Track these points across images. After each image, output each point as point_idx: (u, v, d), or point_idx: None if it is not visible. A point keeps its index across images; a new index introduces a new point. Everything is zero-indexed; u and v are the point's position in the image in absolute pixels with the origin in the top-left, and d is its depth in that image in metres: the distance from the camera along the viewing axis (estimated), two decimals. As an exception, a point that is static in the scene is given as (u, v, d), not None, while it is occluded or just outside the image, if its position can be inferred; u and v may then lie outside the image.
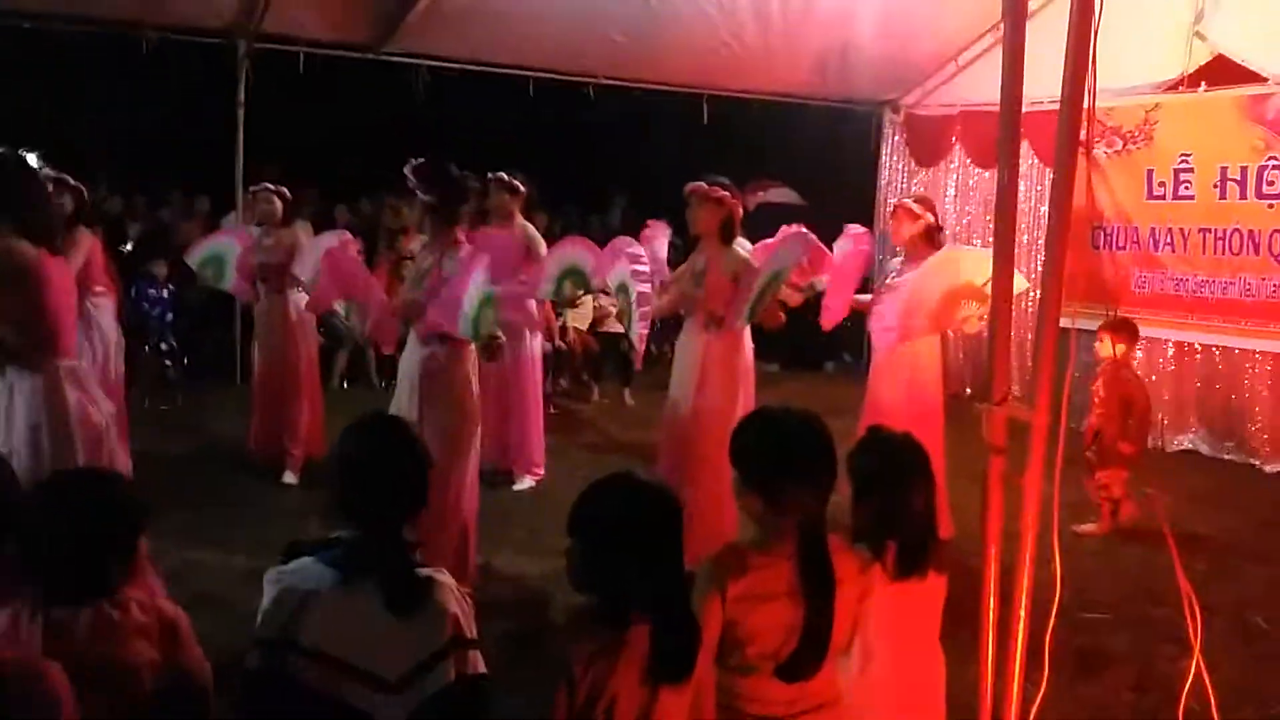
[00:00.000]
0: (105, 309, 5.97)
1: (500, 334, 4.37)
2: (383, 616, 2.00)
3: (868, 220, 10.27)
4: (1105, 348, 5.87)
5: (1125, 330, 5.95)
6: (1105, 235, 8.32)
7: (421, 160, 4.38)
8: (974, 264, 4.95)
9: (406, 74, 8.28)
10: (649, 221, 5.84)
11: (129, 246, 9.46)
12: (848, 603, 2.27)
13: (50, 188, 4.62)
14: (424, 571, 2.07)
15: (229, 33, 7.74)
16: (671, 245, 5.91)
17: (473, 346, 4.40)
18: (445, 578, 2.09)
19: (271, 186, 6.47)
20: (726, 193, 4.99)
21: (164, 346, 8.44)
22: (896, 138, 10.23)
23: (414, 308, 4.35)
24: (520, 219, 6.41)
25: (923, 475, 2.58)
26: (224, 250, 6.52)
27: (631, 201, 11.85)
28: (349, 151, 12.28)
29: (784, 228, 5.45)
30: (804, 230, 5.15)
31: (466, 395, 4.38)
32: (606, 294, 6.98)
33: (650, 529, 1.92)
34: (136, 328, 8.23)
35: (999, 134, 2.41)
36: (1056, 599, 2.53)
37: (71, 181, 5.80)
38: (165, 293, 8.42)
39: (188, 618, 2.19)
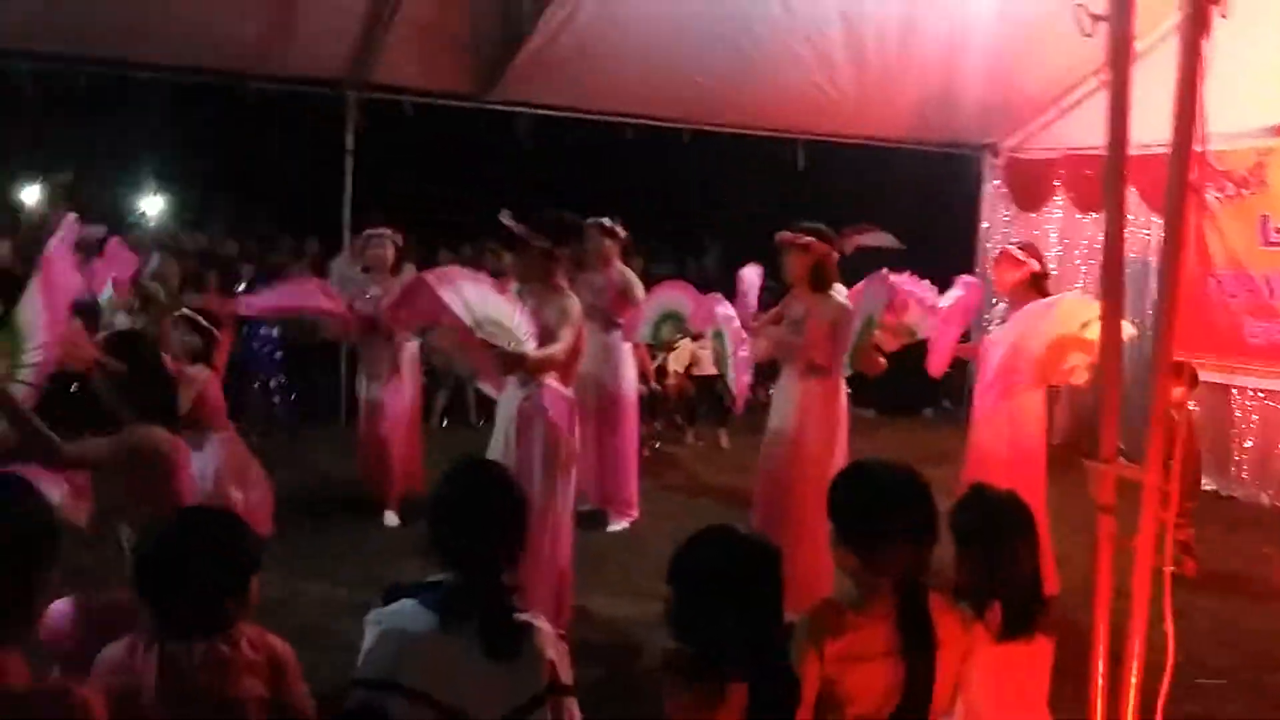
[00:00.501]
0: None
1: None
2: (481, 660, 2.03)
3: (968, 266, 10.15)
4: None
5: (1183, 374, 5.73)
6: (1217, 283, 8.04)
7: (514, 211, 4.45)
8: (1071, 311, 4.83)
9: (508, 121, 8.47)
10: (739, 274, 5.83)
11: (242, 287, 9.81)
12: (950, 664, 2.22)
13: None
14: (522, 617, 2.09)
15: (338, 83, 8.02)
16: (763, 289, 5.90)
17: (570, 387, 4.45)
18: (543, 623, 2.11)
19: (386, 231, 6.41)
20: (813, 238, 4.95)
21: (272, 384, 8.71)
22: (997, 182, 10.07)
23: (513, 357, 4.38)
24: (618, 263, 6.48)
25: (1028, 534, 2.51)
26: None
27: (726, 246, 11.89)
28: (452, 196, 12.60)
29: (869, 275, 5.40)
30: (885, 273, 5.07)
31: (563, 437, 4.40)
32: (703, 337, 6.98)
33: (749, 582, 1.91)
34: (246, 365, 8.54)
35: (1104, 180, 2.36)
36: (1169, 663, 2.43)
37: (202, 323, 5.33)
38: (275, 331, 8.69)
39: (295, 654, 2.24)
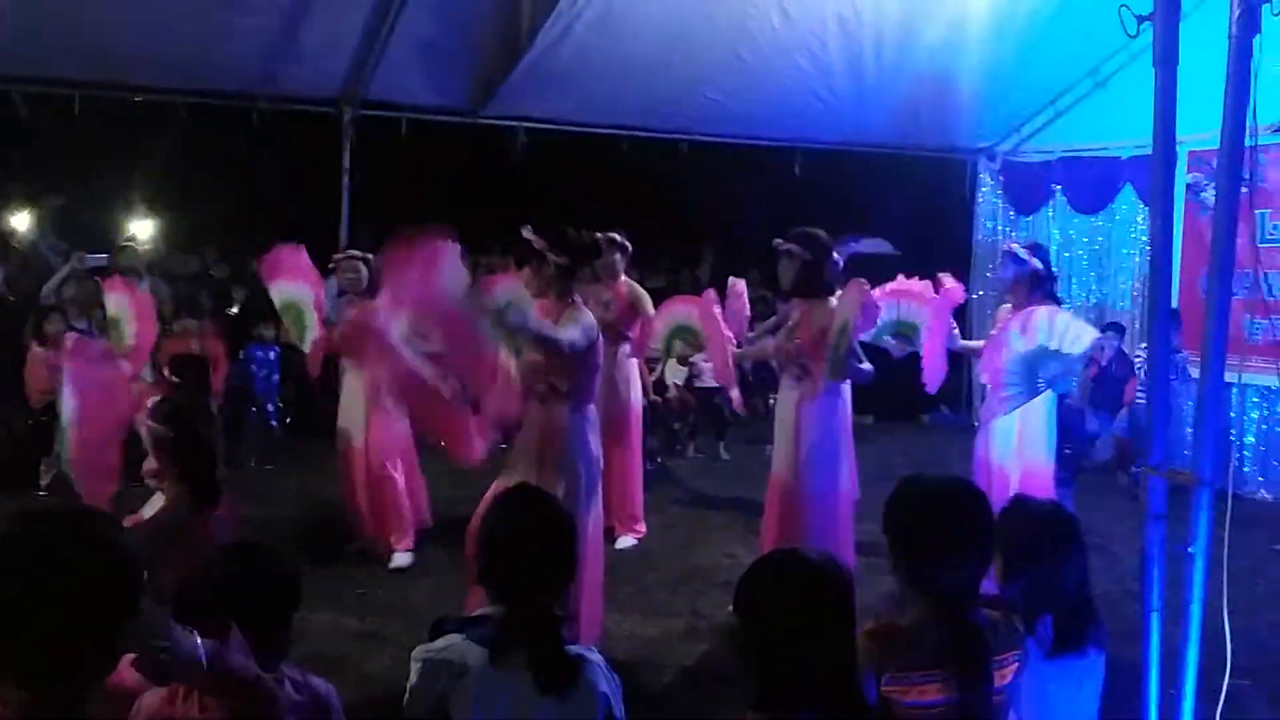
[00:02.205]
0: None
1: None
2: (533, 696, 1.97)
3: (963, 270, 10.15)
4: None
5: None
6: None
7: (536, 227, 4.39)
8: (1053, 330, 4.79)
9: (502, 135, 8.42)
10: (730, 283, 5.80)
11: (235, 309, 9.72)
12: (1005, 683, 2.16)
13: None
14: (574, 650, 2.03)
15: (334, 101, 7.97)
16: (758, 299, 5.90)
17: (592, 406, 4.39)
18: (595, 656, 2.05)
19: (357, 254, 6.24)
20: (803, 245, 4.90)
21: (270, 407, 8.61)
22: (993, 185, 10.07)
23: (534, 371, 4.33)
24: (624, 276, 6.45)
25: (1075, 546, 2.46)
26: (300, 300, 6.29)
27: (722, 255, 11.86)
28: (446, 212, 12.51)
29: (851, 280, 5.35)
30: (861, 281, 4.96)
31: (588, 456, 4.34)
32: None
33: (822, 610, 1.84)
34: (243, 389, 8.44)
35: (1151, 182, 2.31)
36: (1226, 677, 2.38)
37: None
38: (272, 354, 8.60)
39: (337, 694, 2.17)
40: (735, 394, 5.78)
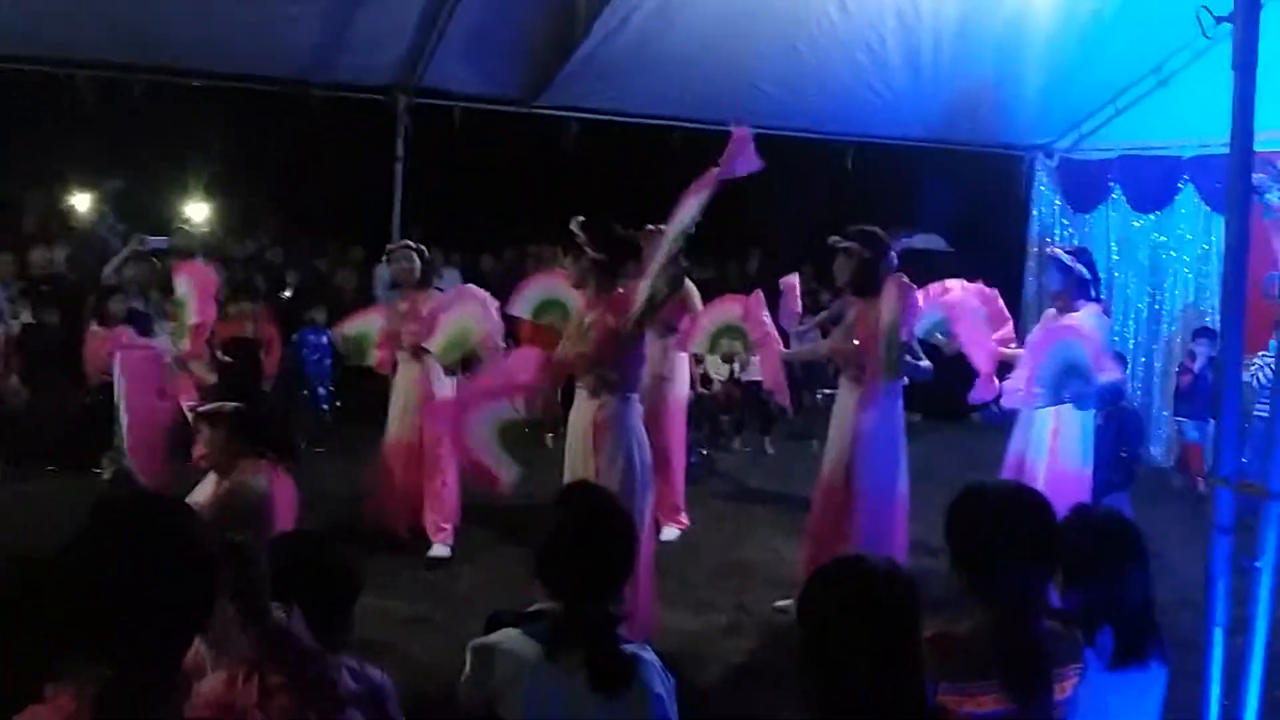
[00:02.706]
0: None
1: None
2: (587, 694, 1.96)
3: (1018, 268, 10.01)
4: None
5: None
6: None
7: (586, 218, 4.39)
8: (1085, 356, 4.79)
9: (555, 126, 8.41)
10: (782, 281, 5.80)
11: (288, 293, 9.84)
12: (1064, 695, 2.13)
13: None
14: (629, 649, 2.02)
15: (389, 89, 8.01)
16: (804, 293, 5.87)
17: (637, 396, 4.40)
18: (650, 656, 2.04)
19: (411, 244, 6.22)
20: (860, 243, 4.87)
21: (321, 391, 8.70)
22: (1050, 182, 9.91)
23: (581, 361, 4.34)
24: (677, 270, 6.43)
25: (1137, 556, 2.41)
26: (369, 328, 6.37)
27: (772, 250, 11.79)
28: (497, 201, 12.57)
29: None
30: (899, 276, 4.91)
31: (638, 446, 4.34)
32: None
33: (887, 623, 1.80)
34: (296, 373, 8.55)
35: (1228, 185, 2.26)
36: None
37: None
38: (324, 339, 8.69)
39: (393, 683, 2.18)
40: (784, 398, 5.73)
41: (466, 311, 5.81)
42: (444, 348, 5.83)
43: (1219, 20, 2.18)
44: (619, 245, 4.40)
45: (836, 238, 4.97)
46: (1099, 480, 6.15)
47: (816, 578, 1.84)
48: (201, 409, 3.23)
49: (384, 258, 6.65)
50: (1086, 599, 2.37)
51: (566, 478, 4.39)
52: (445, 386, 6.02)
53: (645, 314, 4.18)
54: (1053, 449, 5.16)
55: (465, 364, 5.87)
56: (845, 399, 5.01)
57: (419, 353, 5.99)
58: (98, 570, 1.43)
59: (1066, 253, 5.40)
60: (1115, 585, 2.37)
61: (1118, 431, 6.25)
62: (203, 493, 3.30)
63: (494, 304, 5.72)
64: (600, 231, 4.38)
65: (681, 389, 6.53)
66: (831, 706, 1.73)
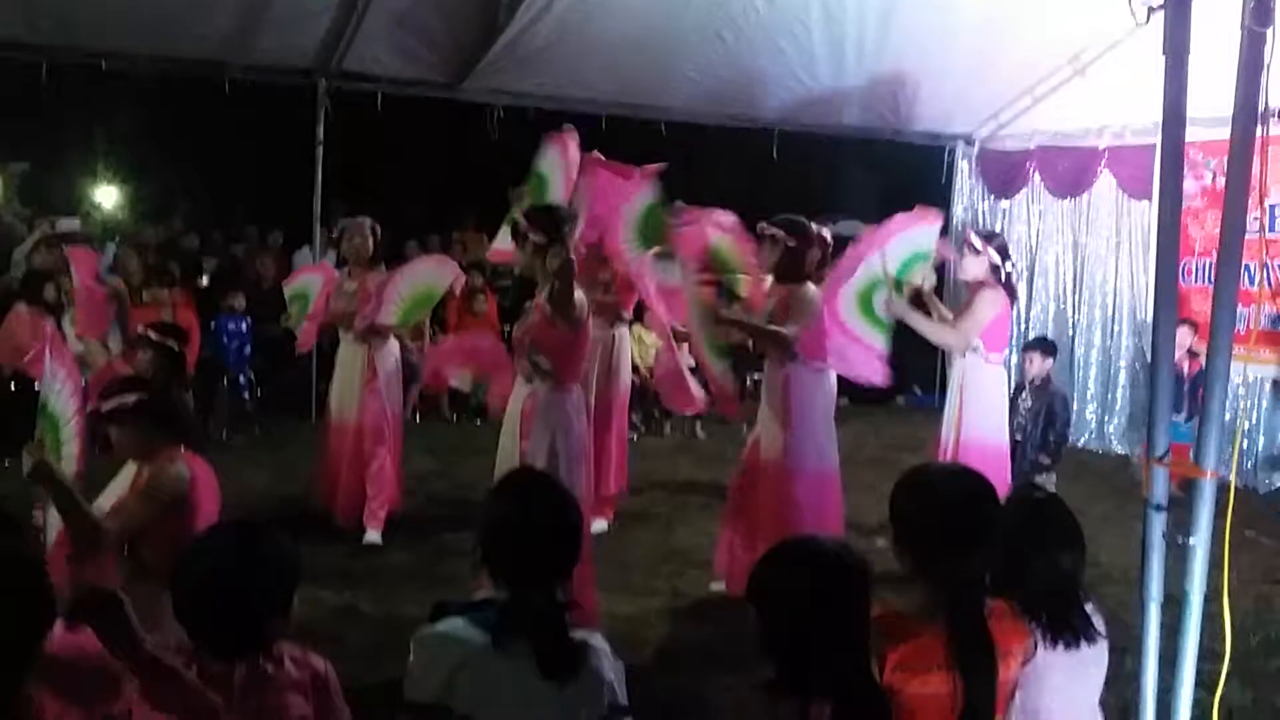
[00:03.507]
0: None
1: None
2: (536, 682, 1.93)
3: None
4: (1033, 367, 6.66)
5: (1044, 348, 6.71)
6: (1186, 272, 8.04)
7: (531, 206, 4.38)
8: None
9: (480, 111, 8.32)
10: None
11: (205, 280, 9.59)
12: (1010, 674, 2.16)
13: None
14: (578, 635, 1.99)
15: (309, 71, 7.84)
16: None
17: (578, 386, 4.38)
18: (599, 642, 2.02)
19: (366, 220, 6.00)
20: (782, 230, 4.93)
21: (241, 379, 8.50)
22: (971, 171, 10.10)
23: (518, 346, 4.31)
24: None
25: (1077, 538, 2.46)
26: (310, 287, 6.17)
27: (698, 235, 11.81)
28: (421, 187, 12.40)
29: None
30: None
31: (571, 433, 4.31)
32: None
33: (838, 599, 1.81)
34: (215, 361, 8.32)
35: (1161, 168, 2.30)
36: (1225, 667, 2.39)
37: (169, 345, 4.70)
38: (244, 326, 8.48)
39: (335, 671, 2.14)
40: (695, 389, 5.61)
41: (422, 270, 5.95)
42: (405, 313, 5.82)
43: (1151, 10, 2.22)
44: (551, 224, 4.36)
45: (764, 225, 5.00)
46: (1029, 461, 6.32)
47: (769, 558, 1.84)
48: (104, 408, 3.12)
49: (333, 234, 6.52)
50: (1028, 579, 2.40)
51: (497, 463, 4.37)
52: (390, 364, 5.94)
53: (557, 307, 4.17)
54: (956, 421, 5.25)
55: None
56: (773, 380, 5.04)
57: (368, 333, 5.84)
58: None
59: (979, 237, 5.47)
60: (1055, 565, 2.41)
61: (1046, 414, 6.40)
62: (123, 482, 3.20)
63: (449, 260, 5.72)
64: (536, 215, 4.34)
65: (626, 379, 6.44)
66: (783, 680, 1.73)
